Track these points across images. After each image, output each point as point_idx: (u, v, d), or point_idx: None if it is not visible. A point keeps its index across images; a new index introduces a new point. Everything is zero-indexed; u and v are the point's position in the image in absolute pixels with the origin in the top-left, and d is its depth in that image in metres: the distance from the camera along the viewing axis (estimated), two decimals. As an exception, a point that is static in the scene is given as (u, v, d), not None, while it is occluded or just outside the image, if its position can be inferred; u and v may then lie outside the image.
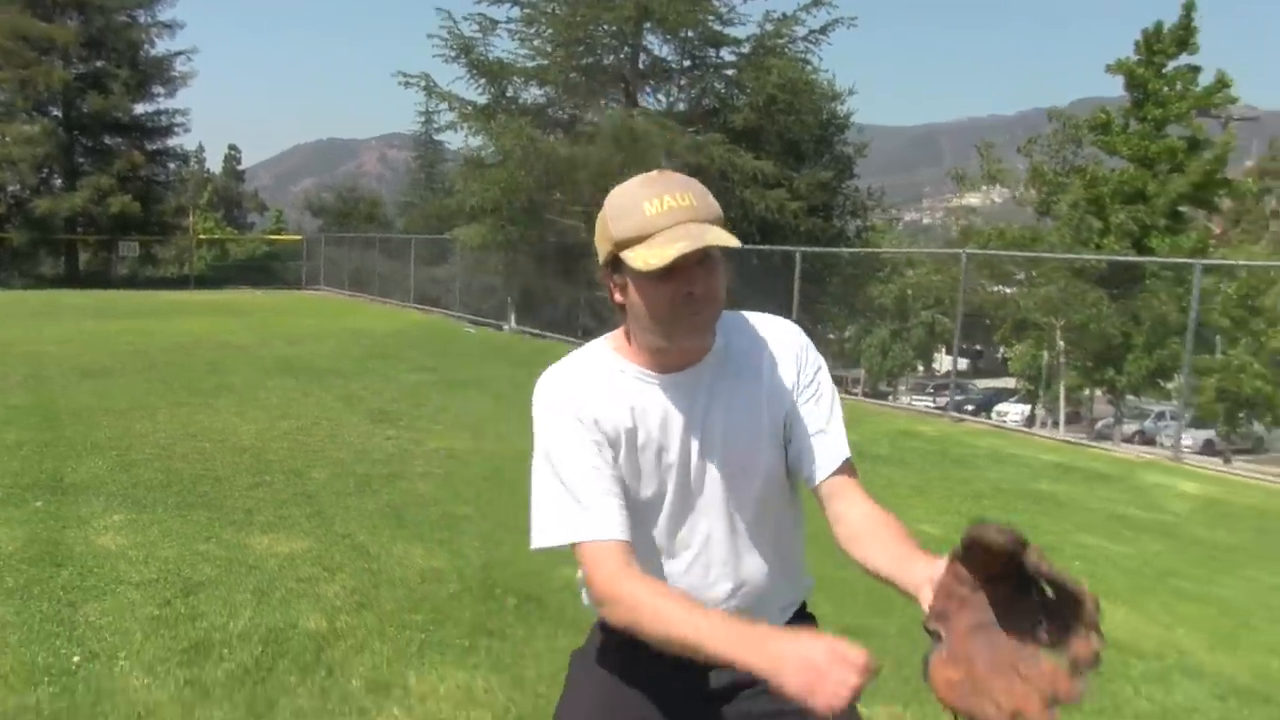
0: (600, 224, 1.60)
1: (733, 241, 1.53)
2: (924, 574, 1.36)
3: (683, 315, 1.57)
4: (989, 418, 19.27)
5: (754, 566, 1.70)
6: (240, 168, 67.24)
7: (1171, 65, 21.96)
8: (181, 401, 9.59)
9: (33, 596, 4.34)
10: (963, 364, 50.85)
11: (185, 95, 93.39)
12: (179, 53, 36.64)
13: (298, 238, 38.76)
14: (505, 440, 8.40)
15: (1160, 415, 29.67)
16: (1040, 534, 6.24)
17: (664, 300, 1.55)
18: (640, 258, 1.51)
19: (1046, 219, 22.16)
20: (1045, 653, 1.20)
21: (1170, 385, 24.42)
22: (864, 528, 1.58)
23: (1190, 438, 27.58)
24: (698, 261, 1.53)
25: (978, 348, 42.85)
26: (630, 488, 1.64)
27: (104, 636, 3.95)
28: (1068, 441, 11.56)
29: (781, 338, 1.73)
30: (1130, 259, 19.02)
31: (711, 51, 18.68)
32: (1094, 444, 11.65)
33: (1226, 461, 16.64)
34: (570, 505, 1.58)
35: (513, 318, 19.72)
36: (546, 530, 1.60)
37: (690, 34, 18.05)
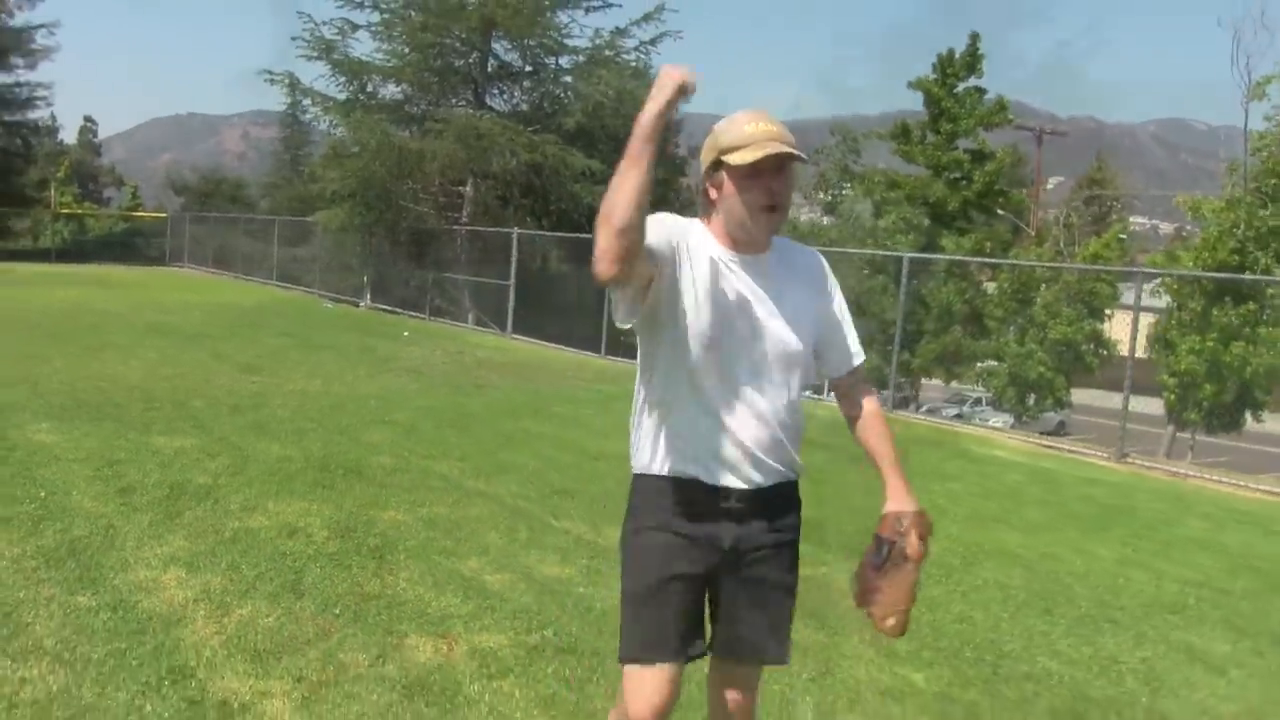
0: (709, 141, 2.24)
1: (803, 156, 2.19)
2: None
3: (762, 208, 2.20)
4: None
5: (772, 408, 2.32)
6: (96, 140, 66.01)
7: (962, 86, 25.34)
8: (71, 355, 11.24)
9: (-4, 467, 6.23)
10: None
11: (44, 67, 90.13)
12: (40, 25, 36.61)
13: (163, 215, 39.25)
14: (350, 386, 10.45)
15: (977, 401, 33.23)
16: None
17: (751, 192, 2.18)
18: (739, 156, 2.15)
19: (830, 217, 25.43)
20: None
21: (975, 369, 27.69)
22: (858, 419, 2.50)
23: (1001, 420, 31.14)
24: (777, 171, 2.18)
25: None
26: (698, 321, 2.22)
27: (57, 485, 5.90)
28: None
29: (818, 260, 2.46)
30: (865, 252, 22.10)
31: (552, 60, 20.85)
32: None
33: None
34: None
35: (368, 295, 21.53)
36: None
37: (532, 43, 20.16)
